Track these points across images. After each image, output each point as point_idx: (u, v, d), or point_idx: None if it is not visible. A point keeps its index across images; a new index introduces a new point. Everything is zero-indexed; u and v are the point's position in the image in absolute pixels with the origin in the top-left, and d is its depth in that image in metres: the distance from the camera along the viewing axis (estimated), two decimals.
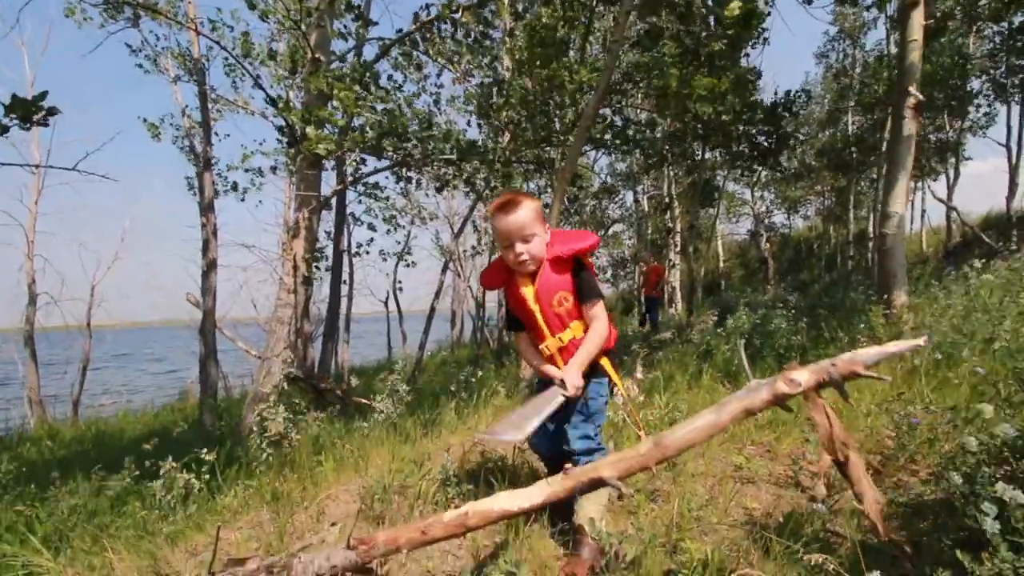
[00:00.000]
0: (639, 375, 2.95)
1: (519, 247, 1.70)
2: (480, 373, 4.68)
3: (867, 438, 2.48)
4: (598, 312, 1.77)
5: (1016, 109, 11.47)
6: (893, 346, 1.34)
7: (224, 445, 3.40)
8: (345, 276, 10.51)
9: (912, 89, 4.66)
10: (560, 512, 1.87)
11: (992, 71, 12.16)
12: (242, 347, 9.79)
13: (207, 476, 2.59)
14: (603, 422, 1.92)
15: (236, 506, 2.50)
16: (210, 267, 8.36)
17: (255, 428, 3.04)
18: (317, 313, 11.57)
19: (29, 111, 2.03)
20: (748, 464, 2.44)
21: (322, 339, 9.82)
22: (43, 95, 2.17)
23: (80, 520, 2.48)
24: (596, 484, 1.31)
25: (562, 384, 1.69)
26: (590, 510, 1.74)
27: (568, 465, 1.59)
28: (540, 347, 1.81)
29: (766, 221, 21.82)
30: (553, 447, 1.90)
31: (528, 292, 1.76)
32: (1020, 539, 1.12)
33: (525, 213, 1.70)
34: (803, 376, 1.31)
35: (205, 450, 2.68)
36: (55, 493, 2.94)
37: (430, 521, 1.33)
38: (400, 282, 12.68)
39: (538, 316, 1.76)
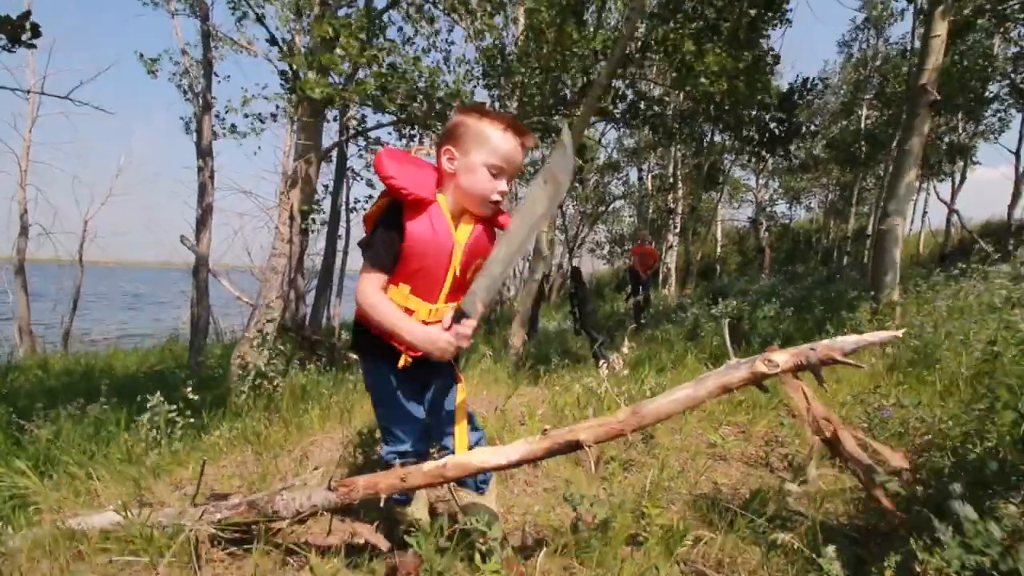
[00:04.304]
0: (625, 349, 3.00)
1: (505, 185, 1.34)
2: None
3: None
4: None
5: None
6: (872, 336, 1.37)
7: (212, 387, 3.45)
8: (342, 231, 10.44)
9: (929, 86, 4.59)
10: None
11: (1013, 75, 11.95)
12: (235, 293, 9.80)
13: (192, 413, 2.63)
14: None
15: (222, 445, 2.56)
16: (206, 212, 8.29)
17: (240, 370, 3.07)
18: (312, 267, 11.53)
19: (16, 30, 2.01)
20: (723, 442, 2.51)
21: (315, 293, 9.83)
22: (27, 14, 2.16)
23: (66, 446, 2.52)
24: (573, 446, 1.35)
25: (458, 319, 1.29)
26: (491, 504, 1.55)
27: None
28: (420, 307, 1.35)
29: (768, 210, 21.74)
30: (421, 441, 1.51)
31: (462, 238, 1.34)
32: (976, 541, 1.17)
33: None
34: (782, 358, 1.33)
35: (191, 390, 2.72)
36: (43, 420, 2.98)
37: (410, 470, 1.37)
38: None
39: (452, 272, 1.35)
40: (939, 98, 4.71)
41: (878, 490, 1.32)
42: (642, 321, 7.86)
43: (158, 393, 2.57)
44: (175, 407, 2.58)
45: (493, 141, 1.30)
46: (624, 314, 10.07)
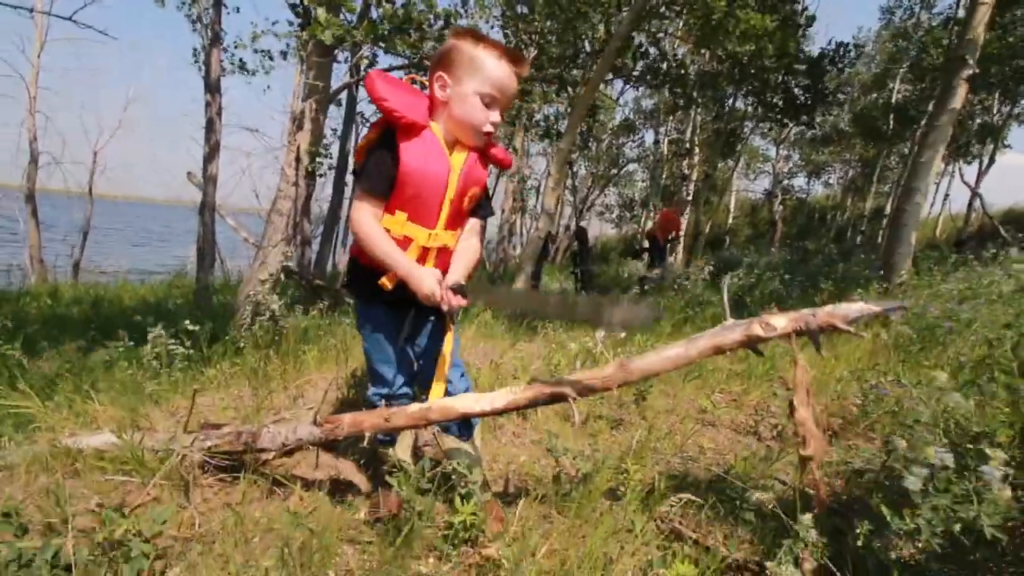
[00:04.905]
0: None
1: (497, 115, 1.30)
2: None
3: (832, 402, 2.55)
4: (480, 230, 1.49)
5: None
6: (876, 305, 1.31)
7: (215, 322, 3.48)
8: (350, 177, 10.32)
9: (968, 57, 4.36)
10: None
11: None
12: (241, 234, 9.78)
13: (193, 346, 2.66)
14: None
15: (220, 379, 2.61)
16: (213, 149, 8.18)
17: (246, 309, 3.09)
18: (319, 212, 11.48)
19: None
20: (714, 409, 2.53)
21: (321, 239, 9.82)
22: None
23: (70, 372, 2.57)
24: (558, 397, 1.35)
25: (455, 291, 1.29)
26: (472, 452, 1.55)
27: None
28: (418, 234, 1.33)
29: (784, 182, 21.21)
30: (408, 385, 1.54)
31: (457, 164, 1.32)
32: (942, 499, 1.16)
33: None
34: (780, 322, 1.27)
35: (193, 322, 2.74)
36: (50, 346, 3.04)
37: (394, 410, 1.38)
38: None
39: (449, 198, 1.32)
40: (977, 71, 4.47)
41: (810, 474, 1.30)
42: (645, 288, 7.81)
43: (159, 325, 2.60)
44: (176, 339, 2.60)
45: (487, 69, 1.25)
46: (628, 279, 10.01)
